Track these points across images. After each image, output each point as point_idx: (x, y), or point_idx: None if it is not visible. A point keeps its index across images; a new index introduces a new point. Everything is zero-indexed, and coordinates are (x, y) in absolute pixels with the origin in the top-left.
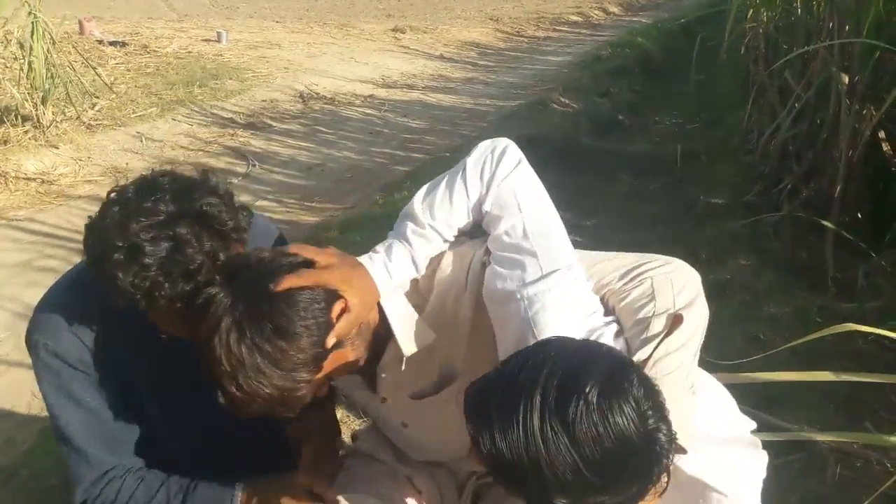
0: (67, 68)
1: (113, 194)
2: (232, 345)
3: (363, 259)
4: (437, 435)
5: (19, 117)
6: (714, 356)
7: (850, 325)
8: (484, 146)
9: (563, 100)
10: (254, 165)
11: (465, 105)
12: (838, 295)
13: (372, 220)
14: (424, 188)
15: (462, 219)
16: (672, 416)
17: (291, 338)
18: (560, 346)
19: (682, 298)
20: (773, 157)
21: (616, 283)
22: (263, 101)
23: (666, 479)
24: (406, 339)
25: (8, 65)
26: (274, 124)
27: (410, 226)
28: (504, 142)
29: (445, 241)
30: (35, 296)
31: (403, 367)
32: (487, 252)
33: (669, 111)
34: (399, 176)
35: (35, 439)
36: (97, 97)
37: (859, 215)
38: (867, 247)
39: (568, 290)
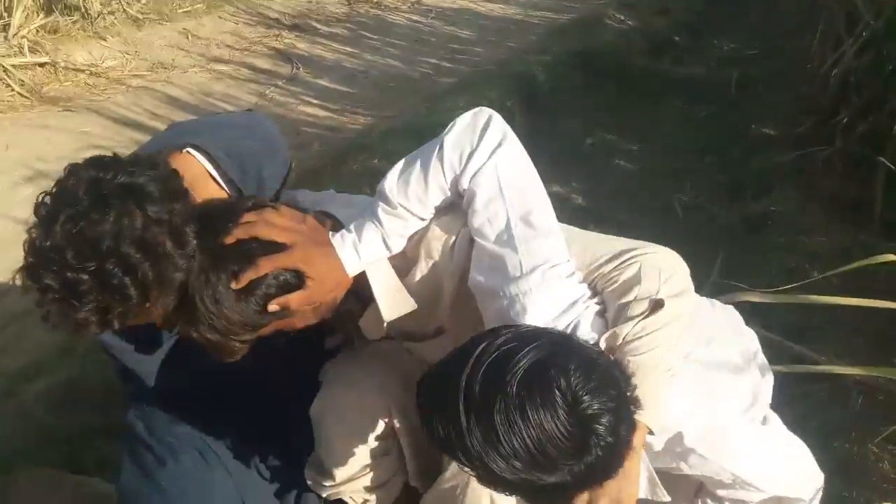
0: None
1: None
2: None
3: (335, 238)
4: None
5: (68, 7)
6: (747, 285)
7: (891, 255)
8: (464, 121)
9: (617, 16)
10: (298, 69)
11: (515, 16)
12: (884, 234)
13: (414, 131)
14: (399, 165)
15: (438, 198)
16: (641, 395)
17: (234, 310)
18: (492, 341)
19: (669, 287)
20: (832, 88)
21: (606, 267)
22: (309, 2)
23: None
24: (387, 307)
25: None
26: (319, 27)
27: (382, 206)
28: (486, 114)
29: (421, 218)
30: None
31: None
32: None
33: (729, 35)
34: (444, 88)
35: None
36: None
37: None
38: None
39: (549, 289)
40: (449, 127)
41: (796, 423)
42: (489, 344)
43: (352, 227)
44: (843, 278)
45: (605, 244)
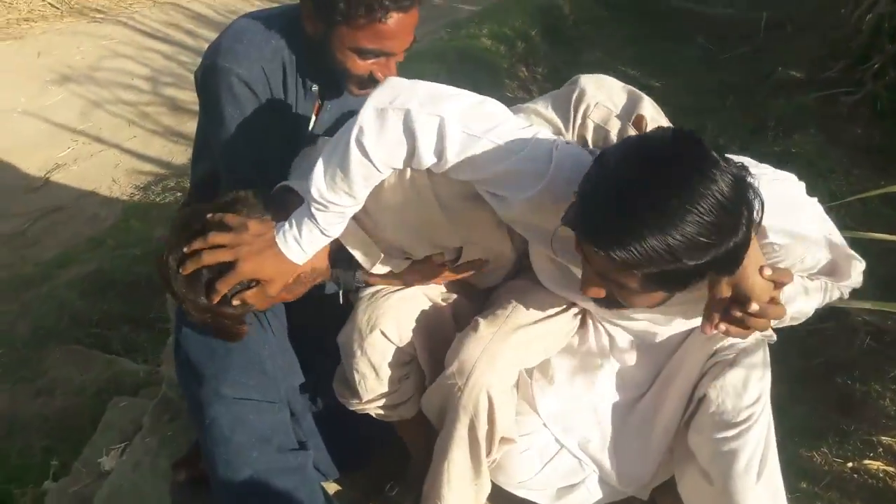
0: None
1: None
2: (178, 295)
3: (279, 238)
4: None
5: None
6: None
7: None
8: (372, 114)
9: None
10: None
11: None
12: None
13: (437, 55)
14: (320, 166)
15: (369, 185)
16: None
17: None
18: (619, 152)
19: (619, 101)
20: (864, 33)
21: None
22: None
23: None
24: (363, 258)
25: None
26: None
27: (314, 205)
28: (391, 97)
29: (355, 205)
30: (111, 87)
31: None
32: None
33: None
34: (466, 14)
35: (119, 216)
36: None
37: None
38: None
39: (574, 155)
40: (358, 119)
41: (803, 357)
42: (624, 150)
43: (293, 220)
44: (859, 220)
45: (546, 117)
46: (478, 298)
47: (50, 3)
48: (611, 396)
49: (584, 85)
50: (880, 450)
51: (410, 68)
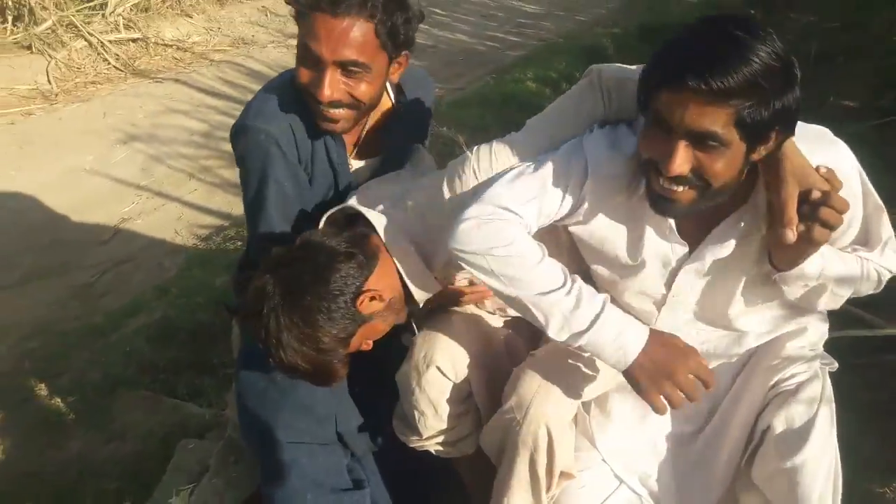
0: None
1: None
2: (271, 327)
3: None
4: None
5: None
6: None
7: None
8: (472, 240)
9: None
10: None
11: None
12: None
13: (483, 100)
14: (531, 303)
15: (537, 250)
16: None
17: (319, 329)
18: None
19: (634, 68)
20: None
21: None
22: None
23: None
24: (418, 292)
25: None
26: None
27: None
28: (472, 223)
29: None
30: (171, 144)
31: None
32: None
33: (806, 10)
34: (511, 60)
35: (182, 265)
36: None
37: None
38: None
39: (590, 136)
40: (481, 258)
41: (868, 391)
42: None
43: (588, 334)
44: None
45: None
46: (532, 334)
47: (115, 67)
48: (669, 431)
49: (597, 68)
50: None
51: (457, 114)
